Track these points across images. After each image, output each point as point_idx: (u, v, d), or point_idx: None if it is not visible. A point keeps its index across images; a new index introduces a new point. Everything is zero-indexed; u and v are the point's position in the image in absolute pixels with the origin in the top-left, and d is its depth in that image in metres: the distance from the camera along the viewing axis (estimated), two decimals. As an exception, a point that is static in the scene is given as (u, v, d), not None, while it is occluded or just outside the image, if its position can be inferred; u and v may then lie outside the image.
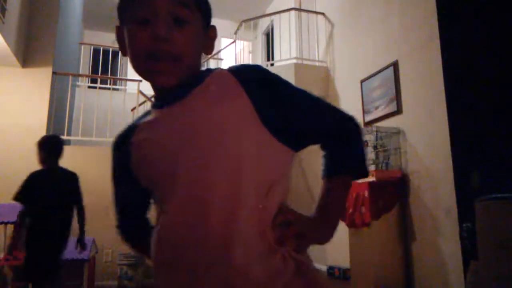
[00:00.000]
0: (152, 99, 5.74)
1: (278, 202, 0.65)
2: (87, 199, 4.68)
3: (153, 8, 0.65)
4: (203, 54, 0.73)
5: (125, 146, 0.74)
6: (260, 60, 8.21)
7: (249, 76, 0.67)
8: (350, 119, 0.74)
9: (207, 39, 0.74)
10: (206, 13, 0.72)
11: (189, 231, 0.62)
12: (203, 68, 0.74)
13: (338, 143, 0.74)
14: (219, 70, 0.70)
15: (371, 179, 3.50)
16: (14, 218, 3.27)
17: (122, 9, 0.71)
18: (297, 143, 0.70)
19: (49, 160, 2.78)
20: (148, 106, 5.55)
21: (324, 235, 0.72)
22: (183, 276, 0.62)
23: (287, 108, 0.67)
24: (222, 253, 0.59)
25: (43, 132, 4.72)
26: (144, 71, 0.68)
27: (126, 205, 0.84)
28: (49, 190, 2.71)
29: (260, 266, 0.60)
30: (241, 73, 0.67)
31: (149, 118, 0.73)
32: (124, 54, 0.71)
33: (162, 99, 0.71)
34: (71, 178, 2.88)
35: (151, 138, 0.69)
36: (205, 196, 0.61)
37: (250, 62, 8.00)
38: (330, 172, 0.74)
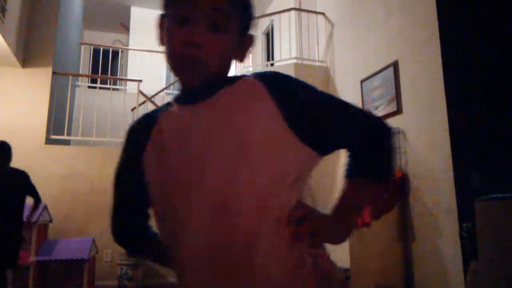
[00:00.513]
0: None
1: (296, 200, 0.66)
2: (87, 199, 4.69)
3: (193, 9, 0.65)
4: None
5: (142, 136, 0.72)
6: (260, 60, 8.20)
7: (275, 82, 0.67)
8: (379, 123, 0.73)
9: (241, 48, 0.73)
10: (246, 21, 0.72)
11: (212, 235, 0.62)
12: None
13: (364, 146, 0.72)
14: (246, 77, 0.70)
15: (371, 179, 3.50)
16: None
17: (166, 0, 0.71)
18: (324, 148, 0.69)
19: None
20: (148, 106, 5.56)
21: (338, 235, 0.71)
22: (206, 277, 0.63)
23: (314, 113, 0.67)
24: (244, 254, 0.61)
25: (43, 132, 4.73)
26: (173, 69, 0.69)
27: (127, 201, 0.81)
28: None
29: (279, 265, 0.61)
30: (267, 79, 0.67)
31: (171, 111, 0.72)
32: (161, 44, 0.71)
33: (186, 95, 0.71)
34: (20, 176, 3.24)
35: (174, 137, 0.69)
36: (230, 200, 0.61)
37: (250, 62, 8.00)
38: (353, 173, 0.73)
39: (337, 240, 0.71)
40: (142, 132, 0.73)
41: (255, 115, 0.63)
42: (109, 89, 6.19)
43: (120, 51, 8.30)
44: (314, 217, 0.67)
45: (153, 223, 0.79)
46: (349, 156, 0.74)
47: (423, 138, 3.42)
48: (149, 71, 7.40)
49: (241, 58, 0.73)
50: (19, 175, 3.24)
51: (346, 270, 4.41)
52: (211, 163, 0.63)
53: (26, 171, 3.31)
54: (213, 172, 0.62)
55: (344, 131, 0.70)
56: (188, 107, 0.69)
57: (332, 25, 5.43)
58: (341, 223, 0.71)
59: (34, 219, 3.76)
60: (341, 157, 0.74)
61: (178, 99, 0.72)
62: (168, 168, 0.68)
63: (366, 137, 0.71)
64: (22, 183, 3.23)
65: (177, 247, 0.66)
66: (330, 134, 0.69)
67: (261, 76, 0.67)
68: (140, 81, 5.48)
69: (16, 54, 4.45)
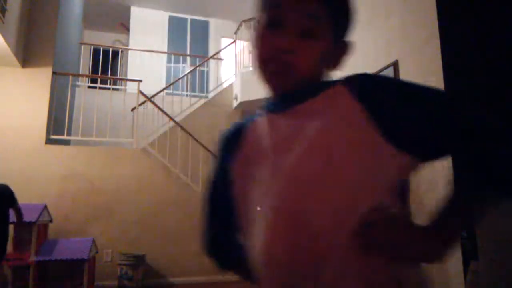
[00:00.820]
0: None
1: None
2: (87, 199, 4.69)
3: (284, 14, 0.63)
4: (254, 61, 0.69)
5: (232, 146, 0.72)
6: (260, 60, 8.19)
7: (362, 87, 0.62)
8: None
9: (335, 55, 0.69)
10: (341, 28, 0.68)
11: (291, 248, 0.59)
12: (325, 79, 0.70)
13: (481, 149, 0.58)
14: (336, 83, 0.66)
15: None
16: (15, 218, 3.28)
17: (259, 3, 0.69)
18: (427, 153, 0.61)
19: None
20: (148, 106, 5.56)
21: (432, 252, 0.58)
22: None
23: (410, 115, 0.59)
24: (318, 267, 0.57)
25: (43, 132, 4.73)
26: (261, 74, 0.67)
27: (220, 213, 0.77)
28: None
29: (349, 281, 0.56)
30: (354, 84, 0.63)
31: (260, 120, 0.70)
32: (253, 46, 0.69)
33: (275, 103, 0.68)
34: (3, 190, 3.13)
35: (261, 146, 0.67)
36: (312, 211, 0.58)
37: (250, 62, 8.01)
38: (474, 186, 0.60)
39: (430, 258, 0.59)
40: (233, 141, 0.72)
41: (342, 124, 0.60)
42: (109, 89, 6.19)
43: (120, 51, 8.30)
44: (391, 224, 0.56)
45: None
46: (466, 163, 0.61)
47: (423, 138, 3.42)
48: (149, 71, 7.41)
49: (334, 66, 0.69)
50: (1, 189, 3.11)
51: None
52: (296, 174, 0.60)
53: (8, 185, 3.16)
54: (297, 183, 0.60)
55: (455, 134, 0.58)
56: (277, 115, 0.67)
57: (332, 25, 5.43)
58: (440, 238, 0.59)
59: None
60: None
61: (267, 107, 0.70)
62: (254, 178, 0.66)
63: (480, 137, 0.58)
64: (4, 198, 3.10)
65: (259, 258, 0.64)
66: (433, 138, 0.59)
67: (347, 81, 0.63)
68: (140, 81, 5.49)
69: (16, 54, 4.45)
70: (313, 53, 0.64)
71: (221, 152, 0.76)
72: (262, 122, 0.70)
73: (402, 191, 0.64)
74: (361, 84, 0.62)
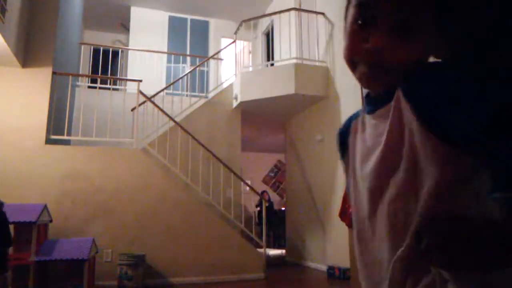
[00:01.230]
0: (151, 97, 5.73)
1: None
2: (87, 199, 4.69)
3: (375, 8, 0.56)
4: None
5: (343, 142, 0.71)
6: (260, 60, 8.20)
7: (408, 83, 0.54)
8: None
9: (439, 42, 0.60)
10: (447, 12, 0.59)
11: (366, 247, 0.60)
12: None
13: None
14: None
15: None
16: (15, 218, 3.28)
17: None
18: (491, 152, 0.51)
19: None
20: (148, 106, 5.57)
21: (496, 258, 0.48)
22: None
23: (464, 113, 0.50)
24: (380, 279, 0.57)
25: (43, 132, 4.73)
26: (351, 71, 0.63)
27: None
28: None
29: None
30: (402, 83, 0.55)
31: (358, 120, 0.67)
32: (344, 38, 0.63)
33: (367, 101, 0.64)
34: None
35: (355, 149, 0.65)
36: (374, 224, 0.58)
37: (250, 62, 8.01)
38: None
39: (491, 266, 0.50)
40: (343, 138, 0.71)
41: (398, 131, 0.54)
42: (109, 89, 6.18)
43: (120, 51, 8.30)
44: (449, 231, 0.48)
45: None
46: None
47: (423, 138, 3.42)
48: (149, 71, 7.41)
49: (438, 55, 0.60)
50: None
51: (346, 270, 4.42)
52: (368, 187, 0.59)
53: None
54: (368, 196, 0.59)
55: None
56: (368, 116, 0.63)
57: (332, 25, 5.43)
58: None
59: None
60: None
61: (364, 105, 0.66)
62: (351, 183, 0.66)
63: None
64: None
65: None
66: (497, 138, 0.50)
67: (401, 81, 0.55)
68: (140, 81, 5.48)
69: (16, 54, 4.45)
70: (410, 50, 0.55)
71: (339, 147, 0.74)
72: (357, 122, 0.67)
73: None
74: (406, 80, 0.54)
